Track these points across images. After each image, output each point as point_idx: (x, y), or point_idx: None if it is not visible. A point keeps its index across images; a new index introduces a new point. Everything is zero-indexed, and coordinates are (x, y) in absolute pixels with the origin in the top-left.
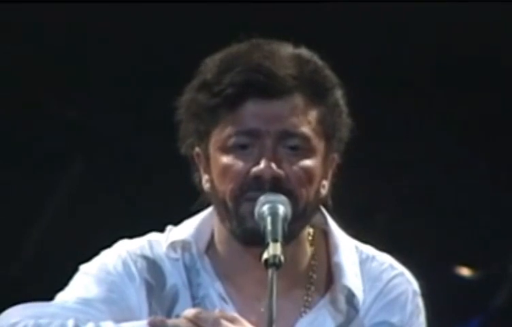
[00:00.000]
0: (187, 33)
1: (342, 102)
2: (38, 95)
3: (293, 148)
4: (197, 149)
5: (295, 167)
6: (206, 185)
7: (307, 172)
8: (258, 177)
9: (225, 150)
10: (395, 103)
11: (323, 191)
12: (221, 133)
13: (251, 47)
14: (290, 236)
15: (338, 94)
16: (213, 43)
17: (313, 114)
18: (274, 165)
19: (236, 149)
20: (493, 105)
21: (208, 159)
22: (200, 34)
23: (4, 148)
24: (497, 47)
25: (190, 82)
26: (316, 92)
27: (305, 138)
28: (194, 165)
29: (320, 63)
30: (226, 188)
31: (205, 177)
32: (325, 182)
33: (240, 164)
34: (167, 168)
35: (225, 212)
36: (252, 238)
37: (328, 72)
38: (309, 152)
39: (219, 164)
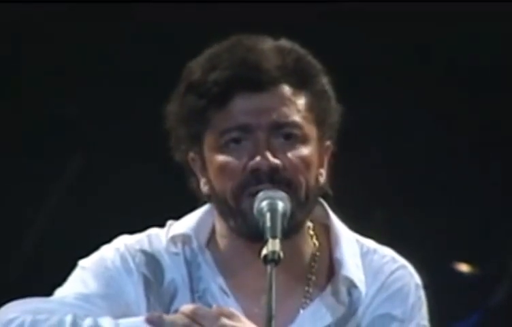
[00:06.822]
0: (186, 33)
1: (328, 88)
2: (38, 94)
3: (286, 137)
4: (191, 154)
5: (290, 156)
6: (205, 188)
7: (303, 159)
8: (255, 171)
9: (219, 149)
10: (395, 99)
11: (321, 179)
12: (213, 133)
13: (233, 43)
14: (293, 228)
15: (324, 80)
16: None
17: (301, 102)
18: (269, 156)
19: (229, 145)
20: (494, 106)
21: (203, 161)
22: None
23: (4, 147)
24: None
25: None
26: (301, 80)
27: (296, 126)
28: (189, 171)
29: (302, 51)
30: (225, 187)
31: (202, 180)
32: (322, 170)
33: (235, 161)
34: (166, 168)
35: (227, 211)
36: (257, 233)
37: (311, 59)
38: (302, 139)
39: (215, 164)
